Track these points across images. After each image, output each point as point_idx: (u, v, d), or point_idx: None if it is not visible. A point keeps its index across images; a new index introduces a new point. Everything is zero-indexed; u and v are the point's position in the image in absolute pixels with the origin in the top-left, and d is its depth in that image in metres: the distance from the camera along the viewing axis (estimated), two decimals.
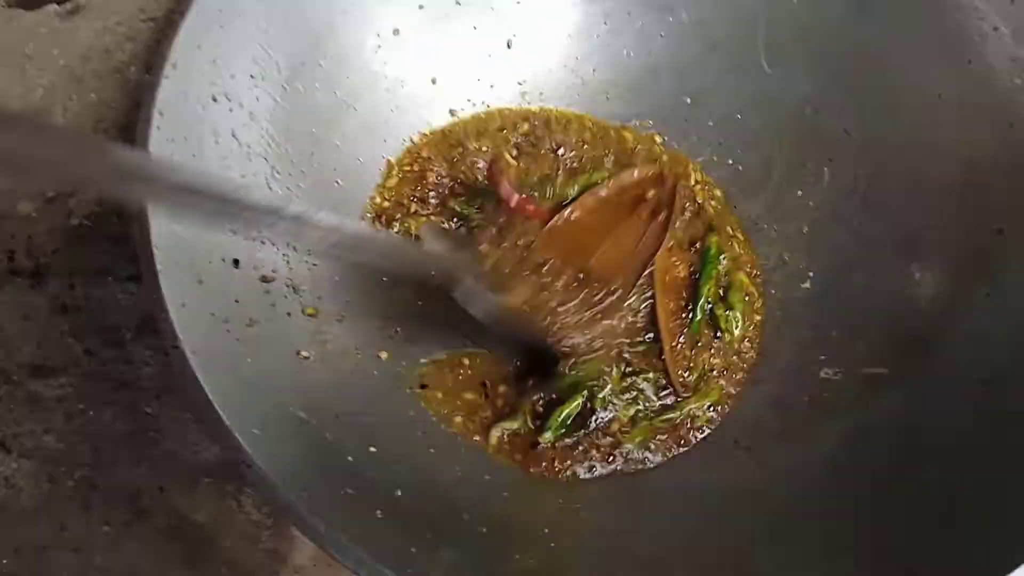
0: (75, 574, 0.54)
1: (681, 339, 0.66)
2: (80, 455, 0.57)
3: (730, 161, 0.73)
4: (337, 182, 0.66)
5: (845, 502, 0.55)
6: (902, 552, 0.49)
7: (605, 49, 0.74)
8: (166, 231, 0.50)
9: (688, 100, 0.74)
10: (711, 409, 0.64)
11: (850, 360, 0.63)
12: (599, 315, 0.63)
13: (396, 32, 0.69)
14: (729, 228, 0.71)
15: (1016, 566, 0.45)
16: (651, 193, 0.68)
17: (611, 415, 0.62)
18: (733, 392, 0.65)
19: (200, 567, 0.54)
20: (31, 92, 0.68)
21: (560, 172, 0.71)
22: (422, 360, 0.63)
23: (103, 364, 0.59)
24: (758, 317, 0.68)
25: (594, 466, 0.61)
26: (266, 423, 0.48)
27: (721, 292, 0.68)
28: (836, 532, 0.52)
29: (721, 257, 0.68)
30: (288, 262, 0.60)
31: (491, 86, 0.73)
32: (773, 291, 0.69)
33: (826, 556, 0.51)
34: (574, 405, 0.61)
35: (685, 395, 0.64)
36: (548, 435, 0.60)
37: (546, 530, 0.54)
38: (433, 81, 0.71)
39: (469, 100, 0.73)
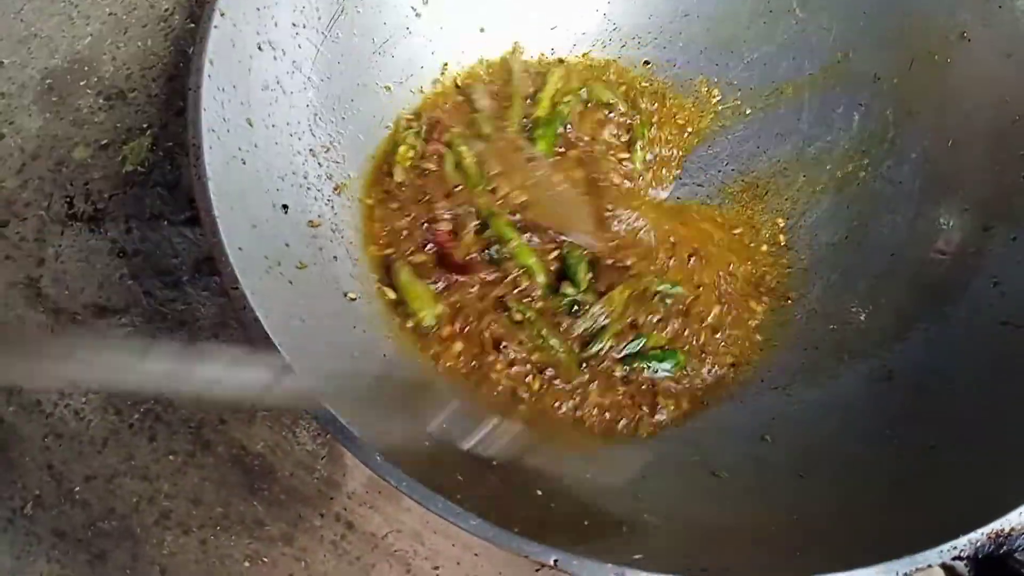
0: (144, 500, 0.58)
1: None
2: None
3: (760, 106, 0.74)
4: (387, 127, 0.69)
5: (870, 438, 0.57)
6: (924, 486, 0.51)
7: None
8: (221, 180, 0.52)
9: (719, 45, 0.75)
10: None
11: (875, 303, 0.65)
12: None
13: None
14: None
15: None
16: None
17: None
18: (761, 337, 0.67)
19: (260, 494, 0.58)
20: (78, 40, 0.70)
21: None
22: None
23: (162, 304, 0.62)
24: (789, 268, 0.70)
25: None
26: (322, 361, 0.51)
27: None
28: (860, 467, 0.55)
29: None
30: (333, 207, 0.63)
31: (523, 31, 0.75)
32: (802, 235, 0.70)
33: (849, 490, 0.53)
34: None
35: None
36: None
37: (584, 466, 0.57)
38: (482, 29, 0.73)
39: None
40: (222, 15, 0.57)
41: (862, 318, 0.65)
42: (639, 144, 0.73)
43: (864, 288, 0.66)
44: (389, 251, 0.64)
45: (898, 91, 0.69)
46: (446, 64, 0.73)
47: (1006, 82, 0.64)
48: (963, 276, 0.62)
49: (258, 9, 0.60)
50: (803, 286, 0.68)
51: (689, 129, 0.75)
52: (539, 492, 0.53)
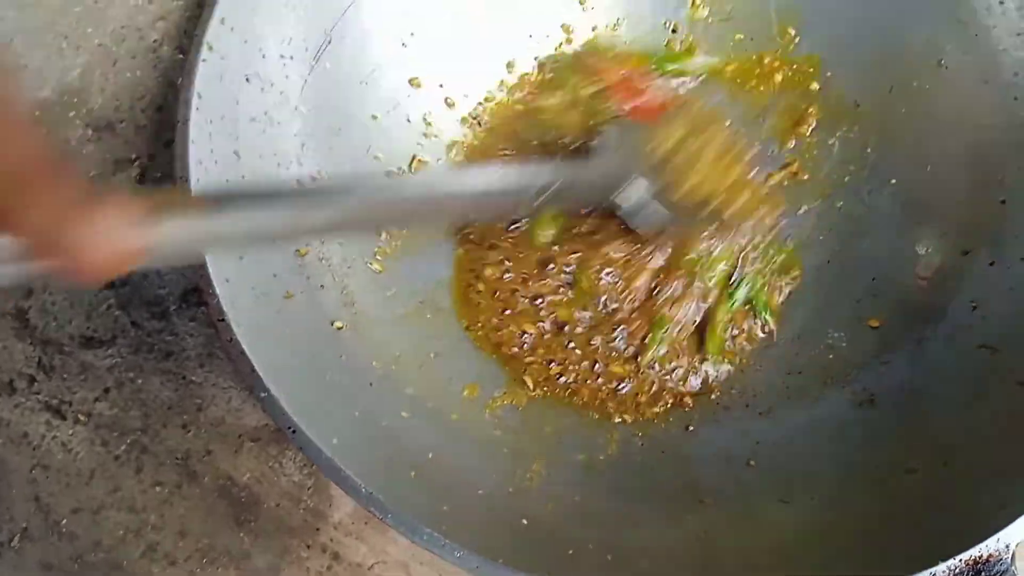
0: (130, 532, 0.58)
1: None
2: (131, 421, 0.60)
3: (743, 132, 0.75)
4: (376, 156, 0.69)
5: (852, 464, 0.58)
6: (904, 511, 0.52)
7: (616, 14, 0.76)
8: None
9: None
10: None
11: (857, 327, 0.65)
12: None
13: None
14: None
15: (1013, 519, 0.47)
16: None
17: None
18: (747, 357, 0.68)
19: (246, 525, 0.58)
20: (68, 71, 0.71)
21: None
22: None
23: (149, 335, 0.62)
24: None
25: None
26: (308, 392, 0.51)
27: None
28: (841, 493, 0.55)
29: None
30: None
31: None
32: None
33: (831, 516, 0.54)
34: None
35: None
36: None
37: (570, 493, 0.58)
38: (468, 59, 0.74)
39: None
40: (210, 48, 0.58)
41: (844, 343, 0.65)
42: None
43: (846, 312, 0.67)
44: None
45: (877, 117, 0.70)
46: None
47: (983, 108, 0.65)
48: (943, 300, 0.63)
49: (245, 41, 0.61)
50: (787, 310, 0.69)
51: None
52: (524, 521, 0.53)
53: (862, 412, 0.61)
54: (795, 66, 0.73)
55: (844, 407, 0.62)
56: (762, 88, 0.74)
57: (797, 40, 0.73)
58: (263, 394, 0.48)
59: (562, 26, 0.75)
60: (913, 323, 0.63)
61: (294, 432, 0.48)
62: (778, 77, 0.73)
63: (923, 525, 0.51)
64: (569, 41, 0.75)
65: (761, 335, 0.68)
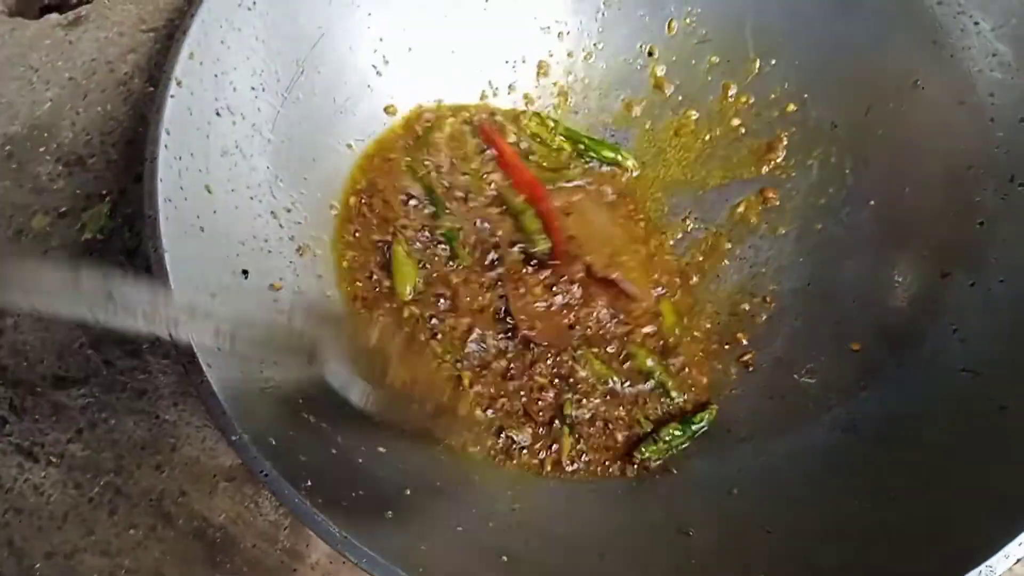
0: None
1: None
2: (104, 462, 0.59)
3: (722, 155, 0.75)
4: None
5: (833, 491, 0.57)
6: (885, 540, 0.51)
7: (592, 40, 0.76)
8: (179, 249, 0.52)
9: (676, 92, 0.76)
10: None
11: (838, 350, 0.65)
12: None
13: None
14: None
15: (1000, 546, 0.46)
16: None
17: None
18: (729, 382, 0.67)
19: (222, 567, 0.57)
20: (38, 105, 0.70)
21: None
22: None
23: (122, 374, 0.61)
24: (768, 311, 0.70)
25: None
26: (280, 431, 0.50)
27: None
28: (824, 521, 0.55)
29: None
30: (295, 268, 0.62)
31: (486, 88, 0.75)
32: (766, 283, 0.70)
33: (814, 545, 0.53)
34: None
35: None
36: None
37: (551, 526, 0.57)
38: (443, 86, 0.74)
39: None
40: (178, 84, 0.57)
41: (825, 367, 0.65)
42: None
43: (827, 335, 0.66)
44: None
45: (855, 138, 0.70)
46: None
47: (959, 130, 0.65)
48: (923, 323, 0.63)
49: (216, 76, 0.60)
50: (768, 334, 0.69)
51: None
52: (504, 557, 0.52)
53: (843, 438, 0.61)
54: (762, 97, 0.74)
55: (825, 433, 0.61)
56: (718, 131, 0.75)
57: (773, 62, 0.73)
58: (234, 437, 0.47)
59: (539, 62, 0.75)
60: (894, 346, 0.63)
61: (266, 475, 0.47)
62: (739, 116, 0.75)
63: (906, 555, 0.50)
64: (545, 73, 0.76)
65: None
